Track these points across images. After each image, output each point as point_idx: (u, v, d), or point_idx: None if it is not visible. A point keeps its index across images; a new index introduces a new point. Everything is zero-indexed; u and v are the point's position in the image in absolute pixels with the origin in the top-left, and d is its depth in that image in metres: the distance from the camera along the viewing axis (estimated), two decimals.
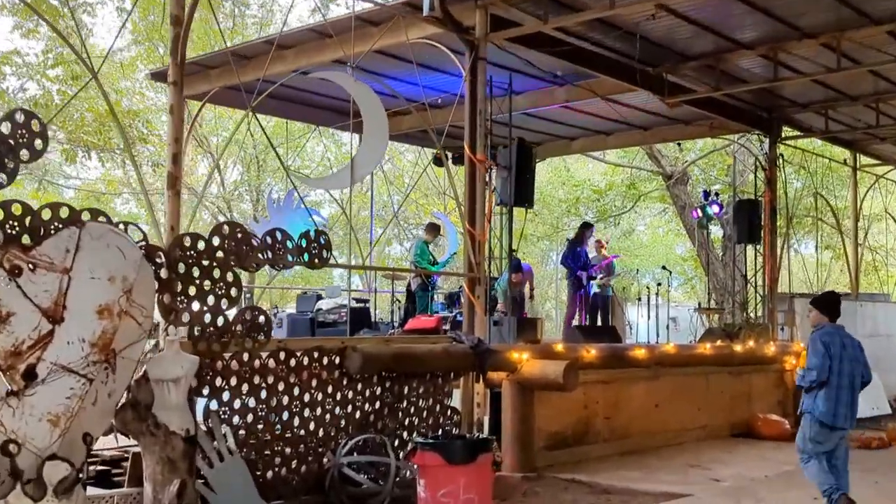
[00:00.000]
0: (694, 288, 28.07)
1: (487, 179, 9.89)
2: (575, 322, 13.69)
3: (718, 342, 12.40)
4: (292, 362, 7.31)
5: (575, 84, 12.37)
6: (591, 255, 14.69)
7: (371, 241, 15.14)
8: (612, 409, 10.28)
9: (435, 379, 8.44)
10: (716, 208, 14.94)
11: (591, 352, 10.03)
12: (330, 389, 7.58)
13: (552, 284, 30.83)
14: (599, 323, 14.36)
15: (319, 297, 12.56)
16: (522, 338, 9.79)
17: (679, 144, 14.53)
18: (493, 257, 9.94)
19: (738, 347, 12.52)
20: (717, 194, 15.13)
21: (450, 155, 11.93)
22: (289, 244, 7.35)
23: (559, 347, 9.79)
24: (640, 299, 15.47)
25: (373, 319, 12.13)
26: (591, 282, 14.09)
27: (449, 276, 12.56)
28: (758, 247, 14.66)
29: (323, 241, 7.64)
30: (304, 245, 7.41)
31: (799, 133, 15.34)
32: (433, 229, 12.94)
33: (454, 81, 10.56)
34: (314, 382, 7.47)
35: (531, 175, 10.19)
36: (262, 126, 10.44)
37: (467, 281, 9.51)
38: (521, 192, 10.02)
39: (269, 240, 7.15)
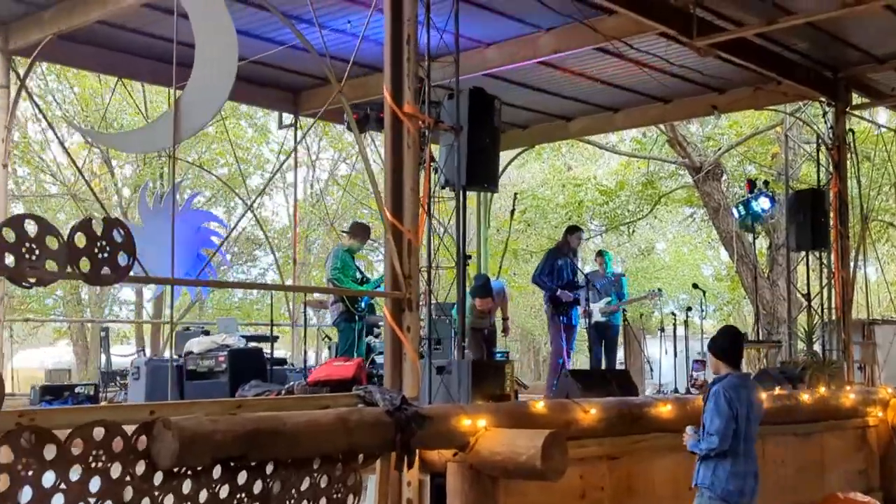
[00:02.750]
0: (729, 316, 25.39)
1: (425, 150, 7.18)
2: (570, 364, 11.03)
3: (777, 390, 9.70)
4: (49, 452, 4.61)
5: (567, 23, 9.71)
6: (588, 271, 11.97)
7: (294, 252, 12.45)
8: (625, 497, 7.58)
9: (329, 467, 5.73)
10: (765, 202, 12.20)
11: (589, 411, 7.39)
12: (128, 496, 4.87)
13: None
14: (606, 364, 11.65)
15: (207, 334, 9.80)
16: (482, 392, 7.05)
17: (715, 109, 11.77)
18: (439, 267, 7.20)
19: (804, 397, 9.85)
20: (766, 183, 12.40)
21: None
22: (51, 242, 4.81)
23: (539, 407, 7.12)
24: (662, 330, 12.74)
25: (270, 366, 9.33)
26: (594, 306, 11.37)
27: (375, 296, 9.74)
28: (822, 255, 11.96)
29: (118, 239, 5.05)
30: (78, 245, 4.82)
31: (873, 100, 12.68)
32: (360, 232, 10.17)
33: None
34: (97, 485, 4.78)
35: (492, 141, 7.46)
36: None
37: (388, 304, 6.78)
38: (478, 167, 7.32)
39: (7, 235, 4.63)
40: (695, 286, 12.87)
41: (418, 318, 6.87)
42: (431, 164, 7.28)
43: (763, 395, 6.35)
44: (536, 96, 12.93)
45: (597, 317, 11.54)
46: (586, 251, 27.22)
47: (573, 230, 11.64)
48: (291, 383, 8.27)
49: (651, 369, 13.62)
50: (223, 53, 5.88)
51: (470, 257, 7.66)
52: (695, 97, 12.88)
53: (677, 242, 33.09)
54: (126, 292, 22.91)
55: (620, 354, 13.46)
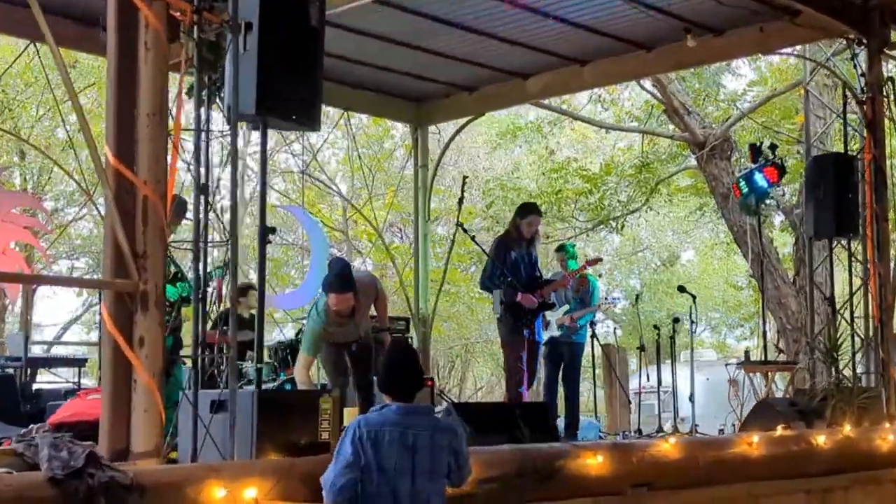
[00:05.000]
0: (752, 333, 23.25)
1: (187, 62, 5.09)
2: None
3: (780, 429, 7.53)
4: None
5: None
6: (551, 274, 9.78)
7: None
8: None
9: None
10: (771, 174, 9.98)
11: None
12: None
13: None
14: (566, 397, 9.50)
15: None
16: (277, 440, 4.91)
17: (687, 34, 9.59)
18: (210, 243, 5.09)
19: (820, 439, 7.73)
20: (773, 147, 10.15)
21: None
22: None
23: None
24: (641, 348, 10.55)
25: (32, 401, 7.29)
26: (550, 317, 9.23)
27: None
28: (852, 245, 9.83)
29: None
30: None
31: None
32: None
33: None
34: None
35: (308, 50, 5.30)
36: None
37: (107, 299, 4.66)
38: (280, 88, 5.15)
39: None
40: (681, 289, 10.64)
41: (161, 324, 4.71)
42: (205, 81, 5.11)
43: (456, 434, 4.74)
44: (479, 43, 10.82)
45: (553, 331, 9.33)
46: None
47: (525, 211, 9.31)
48: (31, 426, 6.12)
49: (638, 402, 11.41)
50: None
51: (273, 230, 5.45)
52: (684, 42, 10.68)
53: (703, 249, 31.00)
54: None
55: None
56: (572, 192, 16.83)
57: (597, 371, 10.73)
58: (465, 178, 12.58)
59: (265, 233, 5.28)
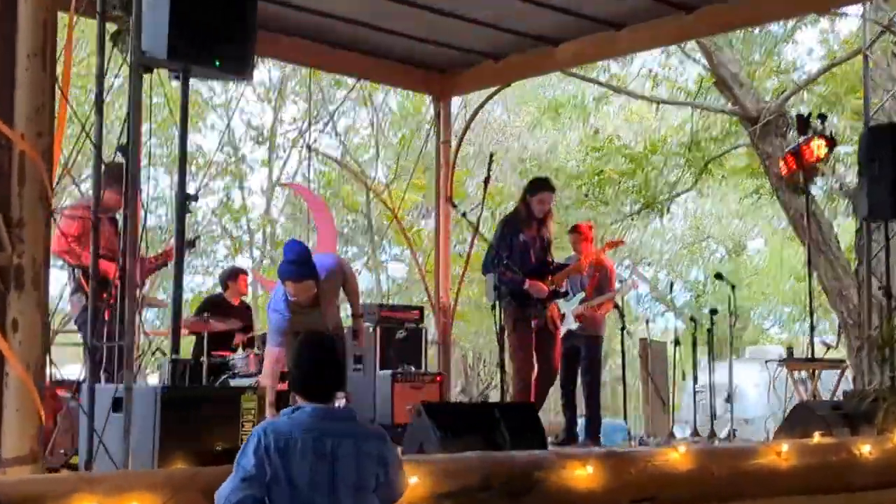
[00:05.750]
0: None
1: None
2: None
3: (817, 436, 6.69)
4: None
5: None
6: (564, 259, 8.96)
7: None
8: None
9: None
10: (819, 147, 9.08)
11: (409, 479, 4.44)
12: None
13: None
14: (586, 395, 8.73)
15: None
16: (186, 446, 4.26)
17: None
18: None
19: (865, 448, 6.92)
20: (822, 117, 9.26)
21: None
22: None
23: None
24: (676, 342, 9.77)
25: None
26: (565, 309, 8.45)
27: None
28: None
29: None
30: None
31: None
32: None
33: None
34: None
35: None
36: None
37: None
38: (202, 26, 4.49)
39: None
40: (718, 277, 9.81)
41: (41, 305, 4.08)
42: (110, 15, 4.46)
43: (385, 441, 3.99)
44: (505, 7, 10.12)
45: (569, 324, 8.53)
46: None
47: (536, 187, 8.49)
48: None
49: (665, 404, 10.62)
50: None
51: (195, 198, 4.77)
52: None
53: (772, 238, 29.86)
54: None
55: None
56: (615, 174, 15.95)
57: (626, 368, 9.86)
58: (491, 154, 11.80)
59: (185, 200, 4.60)
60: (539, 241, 8.18)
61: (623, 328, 9.50)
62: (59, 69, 4.23)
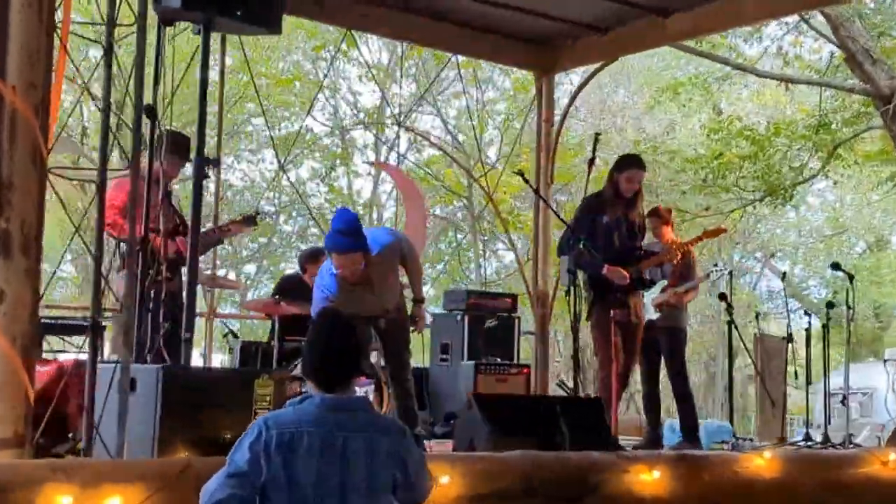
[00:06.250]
0: None
1: None
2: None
3: None
4: None
5: None
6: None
7: None
8: None
9: None
10: None
11: (439, 479, 4.08)
12: None
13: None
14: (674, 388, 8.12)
15: None
16: (190, 432, 3.94)
17: None
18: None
19: None
20: None
21: None
22: None
23: None
24: (788, 339, 9.10)
25: None
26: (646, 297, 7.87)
27: None
28: None
29: None
30: None
31: None
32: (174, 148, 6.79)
33: None
34: None
35: None
36: None
37: None
38: None
39: None
40: (835, 267, 9.02)
41: (31, 274, 3.82)
42: None
43: (404, 436, 3.56)
44: None
45: (649, 314, 7.93)
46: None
47: (624, 163, 7.87)
48: None
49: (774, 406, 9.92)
50: None
51: (217, 163, 4.43)
52: None
53: None
54: None
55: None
56: (736, 157, 15.13)
57: (733, 364, 9.24)
58: (596, 135, 11.21)
59: (202, 165, 4.27)
60: (626, 224, 7.51)
61: (730, 322, 8.88)
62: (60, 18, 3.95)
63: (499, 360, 9.17)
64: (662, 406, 8.26)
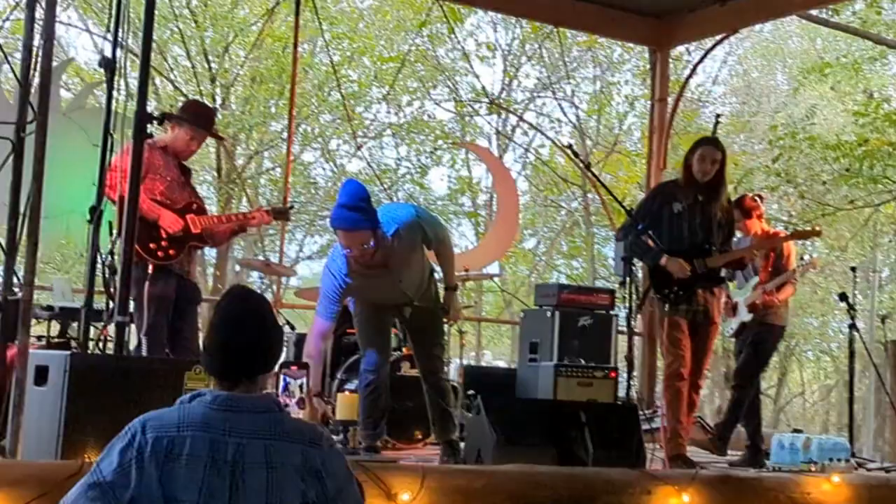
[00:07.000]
0: None
1: None
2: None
3: None
4: None
5: None
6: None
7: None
8: None
9: None
10: None
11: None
12: None
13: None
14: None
15: None
16: (118, 428, 3.41)
17: None
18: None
19: None
20: None
21: None
22: None
23: None
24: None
25: None
26: (737, 297, 7.13)
27: None
28: None
29: None
30: None
31: None
32: (192, 118, 6.16)
33: None
34: None
35: None
36: None
37: None
38: None
39: None
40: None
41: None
42: None
43: (319, 443, 2.94)
44: None
45: (742, 316, 7.14)
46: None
47: (697, 142, 6.99)
48: None
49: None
50: None
51: (161, 119, 3.87)
52: None
53: None
54: None
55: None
56: (885, 144, 13.90)
57: (853, 374, 8.28)
58: (717, 116, 10.57)
59: (143, 121, 3.73)
60: (700, 214, 6.64)
61: (851, 325, 7.96)
62: None
63: (582, 361, 8.43)
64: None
